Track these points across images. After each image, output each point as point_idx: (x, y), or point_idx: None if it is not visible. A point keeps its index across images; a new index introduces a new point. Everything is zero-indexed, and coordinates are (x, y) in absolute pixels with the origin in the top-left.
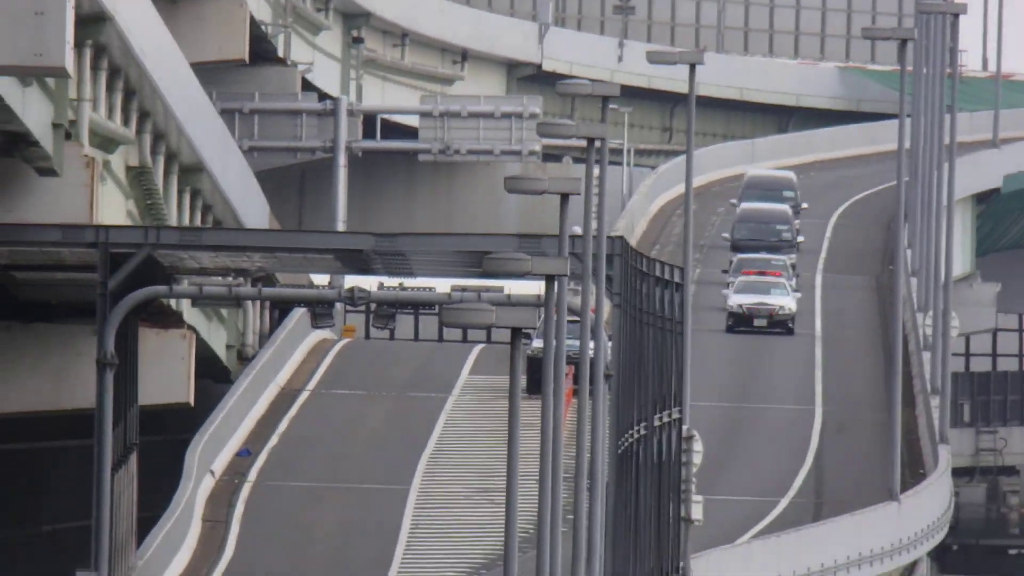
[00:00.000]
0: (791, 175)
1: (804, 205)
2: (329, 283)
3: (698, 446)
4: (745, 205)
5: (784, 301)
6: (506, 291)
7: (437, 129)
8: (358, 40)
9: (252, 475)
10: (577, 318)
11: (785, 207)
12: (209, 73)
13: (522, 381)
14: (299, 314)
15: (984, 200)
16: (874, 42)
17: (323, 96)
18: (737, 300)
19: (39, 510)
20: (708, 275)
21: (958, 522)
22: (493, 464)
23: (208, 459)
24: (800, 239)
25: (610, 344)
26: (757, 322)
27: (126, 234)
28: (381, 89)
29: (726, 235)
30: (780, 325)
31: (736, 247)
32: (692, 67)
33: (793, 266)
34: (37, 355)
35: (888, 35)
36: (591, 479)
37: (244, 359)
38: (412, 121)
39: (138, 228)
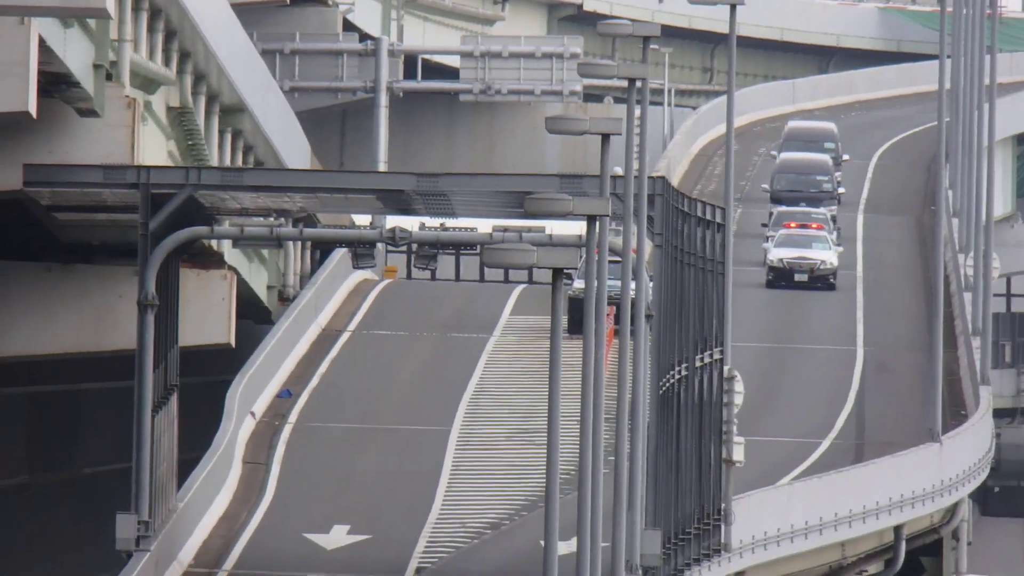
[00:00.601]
0: (832, 126)
1: (845, 157)
2: (370, 223)
3: (739, 387)
4: (785, 155)
5: (825, 255)
6: (547, 231)
7: (478, 69)
8: None
9: (293, 417)
10: (618, 258)
11: (825, 157)
12: (250, 13)
13: (563, 322)
14: (340, 254)
15: None
16: None
17: (364, 36)
18: (777, 254)
19: (79, 452)
20: (746, 227)
21: (999, 464)
22: (534, 405)
23: (249, 401)
24: (841, 190)
25: (651, 284)
26: (798, 277)
27: (167, 175)
28: (422, 29)
29: (765, 186)
30: (821, 280)
31: (775, 198)
32: (733, 7)
33: (834, 218)
34: (78, 296)
35: None
36: (632, 420)
37: (285, 300)
38: (453, 61)
39: (179, 169)
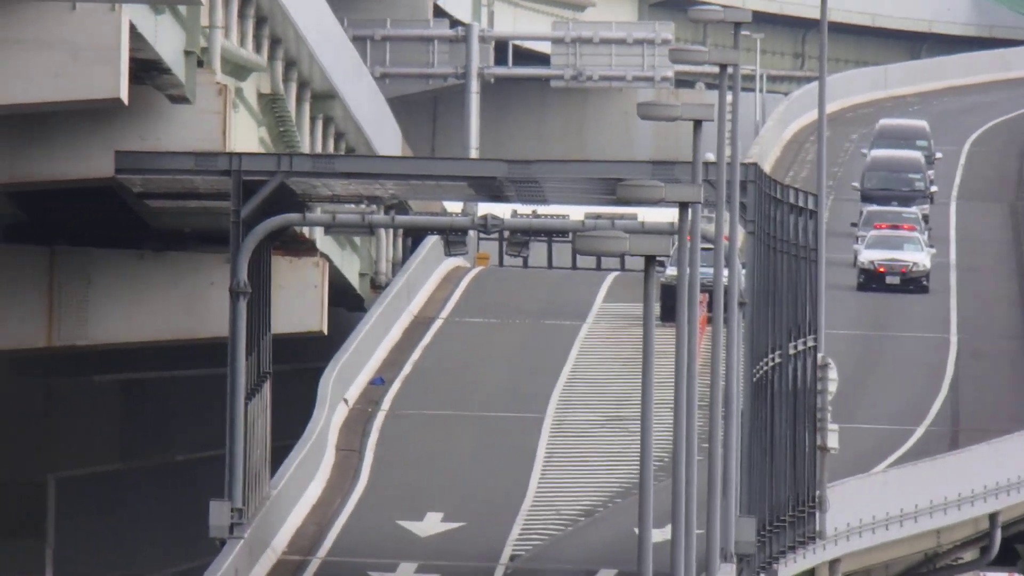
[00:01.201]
0: (924, 123)
1: (938, 154)
2: (462, 210)
3: (833, 374)
4: (876, 153)
5: (918, 257)
6: (640, 218)
7: (569, 55)
8: None
9: (385, 404)
10: (711, 245)
11: (918, 154)
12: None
13: (656, 309)
14: (432, 242)
15: None
16: None
17: (455, 23)
18: (868, 256)
19: (172, 440)
20: (837, 214)
21: None
22: (627, 392)
23: (342, 388)
24: (933, 189)
25: (744, 271)
26: (889, 279)
27: (259, 161)
28: (513, 15)
29: (855, 184)
30: (914, 283)
31: (866, 197)
32: None
33: (926, 218)
34: (170, 284)
35: None
36: (726, 407)
37: (377, 287)
38: (544, 47)
39: (271, 155)
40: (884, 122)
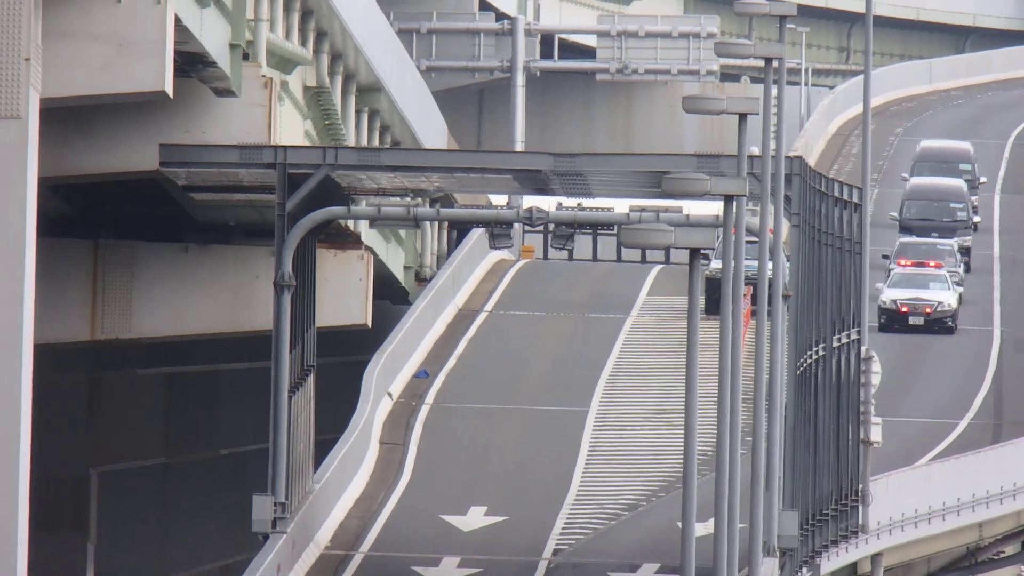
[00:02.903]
0: (968, 146)
1: (982, 179)
2: (507, 203)
3: (876, 367)
4: (915, 180)
5: (943, 296)
6: (684, 211)
7: (615, 49)
8: None
9: (430, 397)
10: (755, 238)
11: (959, 182)
12: None
13: (700, 302)
14: (477, 235)
15: None
16: None
17: (500, 16)
18: (891, 295)
19: (216, 433)
20: (882, 207)
21: None
22: (671, 386)
23: (386, 381)
24: (976, 219)
25: (788, 264)
26: (912, 320)
27: (304, 154)
28: (558, 9)
29: (894, 214)
30: (938, 324)
31: (905, 227)
32: None
33: (967, 250)
34: (215, 277)
35: None
36: (769, 400)
37: (422, 280)
38: (589, 41)
39: (316, 148)
40: (925, 144)
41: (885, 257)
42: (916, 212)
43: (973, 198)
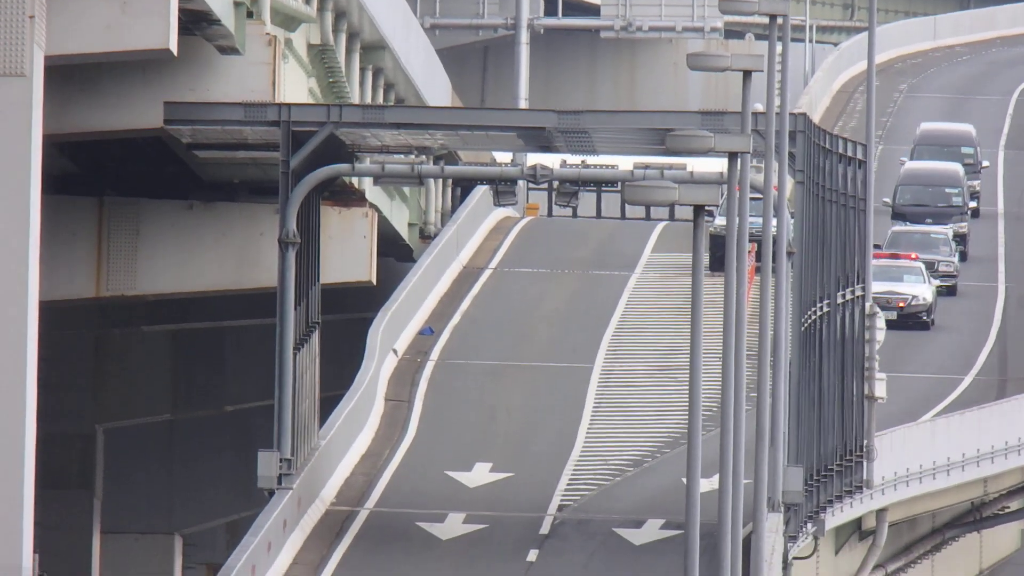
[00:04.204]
0: (970, 128)
1: (985, 163)
2: (511, 161)
3: (881, 323)
4: (909, 165)
5: (918, 290)
6: (689, 168)
7: (619, 6)
8: None
9: (435, 354)
10: (760, 195)
11: (955, 166)
12: None
13: (705, 259)
14: (481, 192)
15: None
16: None
17: None
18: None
19: (222, 390)
20: (886, 165)
21: None
22: (676, 342)
23: (391, 338)
24: (973, 204)
25: (792, 221)
26: (885, 315)
27: (308, 112)
28: None
29: (887, 200)
30: (912, 319)
31: (898, 214)
32: None
33: (963, 236)
34: (219, 234)
35: None
36: (774, 357)
37: (426, 237)
38: None
39: (320, 106)
40: (926, 126)
41: (877, 246)
42: (909, 198)
43: (975, 183)
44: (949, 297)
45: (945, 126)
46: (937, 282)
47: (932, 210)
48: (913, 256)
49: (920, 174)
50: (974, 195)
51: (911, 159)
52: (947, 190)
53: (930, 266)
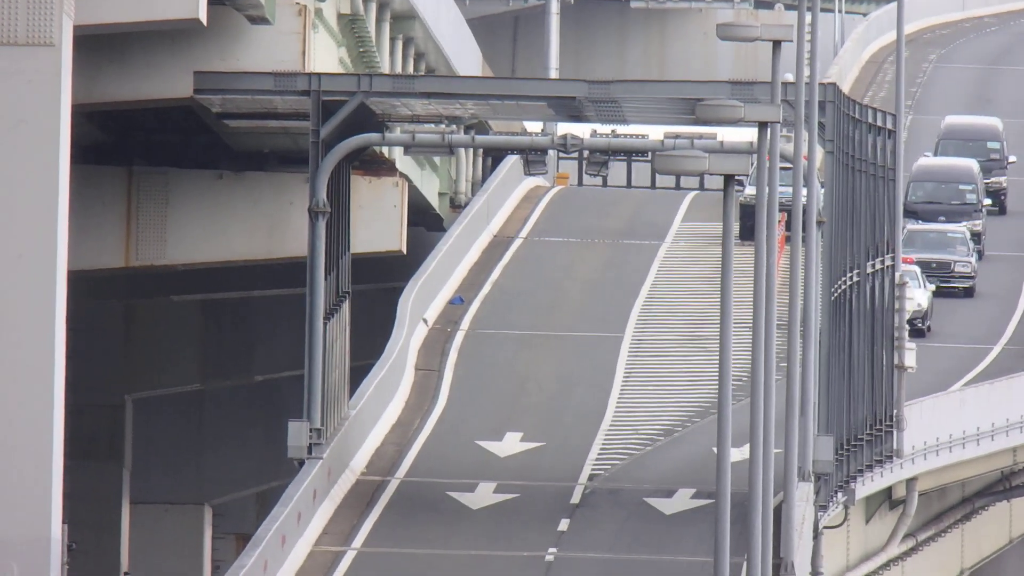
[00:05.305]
0: (996, 121)
1: (1011, 159)
2: (542, 130)
3: (911, 293)
4: (923, 161)
5: (913, 294)
6: (719, 138)
7: None
8: None
9: (465, 323)
10: (790, 165)
11: (970, 162)
12: None
13: (735, 228)
14: (512, 161)
15: None
16: None
17: None
18: None
19: (251, 360)
20: (916, 135)
21: None
22: (706, 312)
23: (421, 307)
24: (987, 202)
25: (822, 191)
26: None
27: (338, 82)
28: None
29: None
30: (908, 323)
31: (910, 211)
32: None
33: (978, 235)
34: (249, 204)
35: None
36: (804, 326)
37: (456, 207)
38: None
39: (350, 76)
40: (950, 120)
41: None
42: (922, 195)
43: (1002, 179)
44: (966, 299)
45: (970, 120)
46: (952, 283)
47: (945, 207)
48: (909, 260)
49: (933, 170)
50: (1000, 191)
51: (935, 155)
52: (961, 187)
53: (947, 266)
